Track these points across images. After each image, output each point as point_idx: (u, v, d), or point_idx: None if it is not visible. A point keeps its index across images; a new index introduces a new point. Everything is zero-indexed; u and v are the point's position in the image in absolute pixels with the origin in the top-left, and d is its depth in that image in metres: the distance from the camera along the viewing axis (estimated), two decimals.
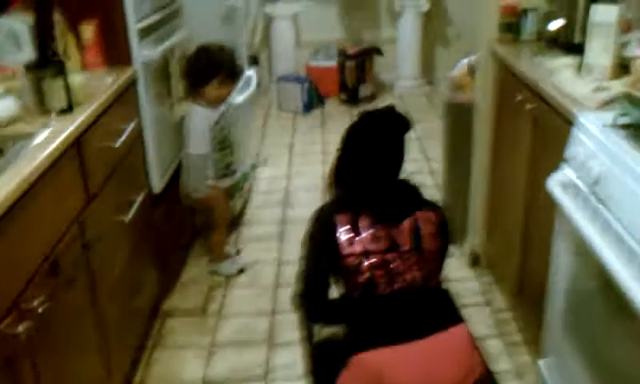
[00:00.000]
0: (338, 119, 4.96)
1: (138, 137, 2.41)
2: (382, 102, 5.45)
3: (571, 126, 1.82)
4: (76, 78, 1.95)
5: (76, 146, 1.83)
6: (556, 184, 1.82)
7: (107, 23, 2.31)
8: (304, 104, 5.27)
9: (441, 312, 1.76)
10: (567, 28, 2.37)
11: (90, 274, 1.90)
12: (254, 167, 3.11)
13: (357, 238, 1.75)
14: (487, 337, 2.50)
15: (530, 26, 2.57)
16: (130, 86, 2.33)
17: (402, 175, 1.89)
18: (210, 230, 3.01)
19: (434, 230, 1.80)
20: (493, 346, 2.44)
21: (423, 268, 1.75)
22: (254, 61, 4.65)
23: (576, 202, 1.72)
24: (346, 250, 1.74)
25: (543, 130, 2.09)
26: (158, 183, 2.57)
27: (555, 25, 2.54)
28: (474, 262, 2.97)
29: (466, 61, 3.04)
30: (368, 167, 1.84)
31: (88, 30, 2.28)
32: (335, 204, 1.87)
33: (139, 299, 2.42)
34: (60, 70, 1.90)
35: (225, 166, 2.88)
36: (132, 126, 2.28)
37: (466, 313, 1.79)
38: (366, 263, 1.73)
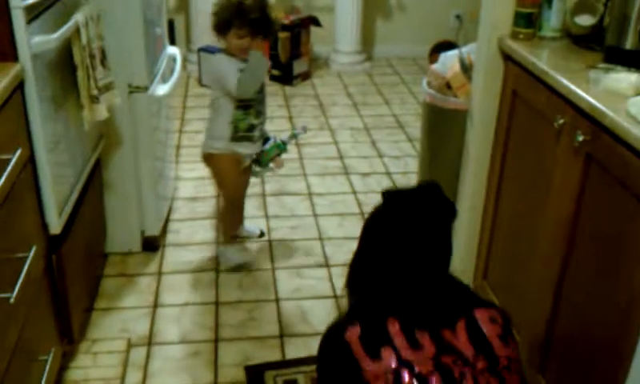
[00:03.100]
0: (269, 100, 4.23)
1: (26, 165, 1.67)
2: (317, 80, 4.80)
3: None
4: None
5: None
6: None
7: None
8: None
9: None
10: (615, 28, 1.82)
11: None
12: (294, 136, 2.68)
13: (385, 349, 1.25)
14: None
15: (554, 20, 2.01)
16: (15, 92, 1.58)
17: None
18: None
19: (501, 331, 1.31)
20: None
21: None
22: (170, 26, 3.87)
23: None
24: (371, 368, 1.23)
25: (610, 177, 1.52)
26: (56, 220, 1.84)
27: (585, 20, 2.00)
28: None
29: (453, 53, 2.45)
30: (400, 270, 1.35)
31: None
32: (349, 316, 1.34)
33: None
34: None
35: (246, 128, 2.49)
36: (17, 153, 1.54)
37: None
38: (407, 376, 1.22)
